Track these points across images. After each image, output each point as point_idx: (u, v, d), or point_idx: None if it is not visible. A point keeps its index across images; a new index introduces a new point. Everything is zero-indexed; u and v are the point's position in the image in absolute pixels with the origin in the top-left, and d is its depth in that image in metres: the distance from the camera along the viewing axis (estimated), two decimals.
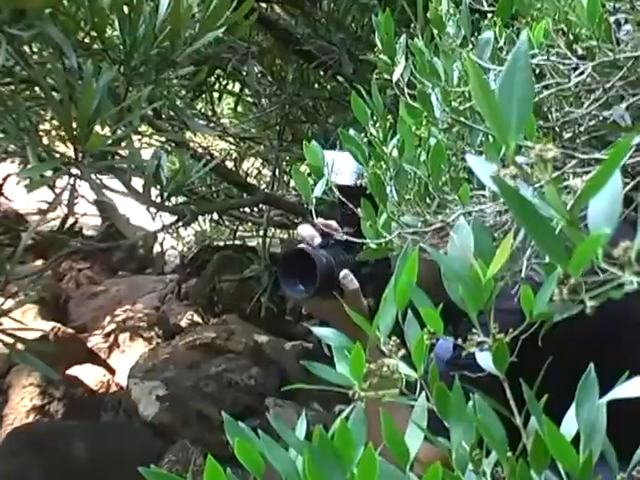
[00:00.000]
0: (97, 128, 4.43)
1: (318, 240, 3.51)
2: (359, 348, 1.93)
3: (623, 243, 1.40)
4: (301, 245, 3.46)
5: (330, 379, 1.97)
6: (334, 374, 1.97)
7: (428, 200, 2.42)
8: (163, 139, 6.04)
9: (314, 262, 3.30)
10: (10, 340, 5.12)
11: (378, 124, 2.71)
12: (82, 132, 4.39)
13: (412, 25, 3.06)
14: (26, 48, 4.28)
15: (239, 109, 7.79)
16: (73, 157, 4.63)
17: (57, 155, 4.64)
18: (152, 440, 6.22)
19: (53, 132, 4.68)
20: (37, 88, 4.57)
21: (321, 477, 1.79)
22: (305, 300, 3.44)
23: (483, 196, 2.28)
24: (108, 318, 8.66)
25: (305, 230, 3.53)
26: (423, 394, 1.91)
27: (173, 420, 6.78)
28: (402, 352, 1.95)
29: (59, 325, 8.32)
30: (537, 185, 1.45)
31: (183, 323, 8.49)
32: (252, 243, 8.25)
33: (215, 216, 7.79)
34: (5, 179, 5.59)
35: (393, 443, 1.86)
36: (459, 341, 1.86)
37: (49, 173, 4.80)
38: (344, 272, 3.35)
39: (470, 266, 1.74)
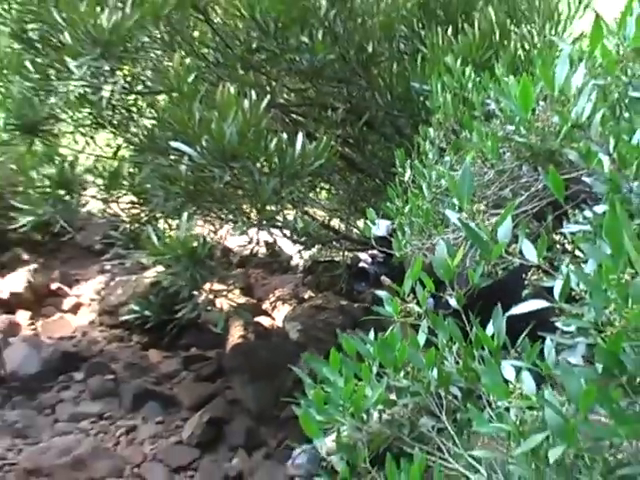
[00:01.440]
0: (268, 207, 4.52)
1: (369, 260, 3.62)
2: (397, 300, 2.04)
3: (514, 245, 1.52)
4: (361, 264, 3.60)
5: (383, 314, 2.07)
6: (385, 311, 2.07)
7: (424, 233, 2.51)
8: (295, 212, 6.06)
9: (368, 273, 3.44)
10: (231, 303, 5.24)
11: (400, 200, 2.80)
12: (262, 209, 4.48)
13: (412, 154, 3.15)
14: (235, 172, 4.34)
15: (329, 196, 7.80)
16: (258, 220, 4.73)
17: (251, 219, 4.75)
18: (296, 350, 6.22)
19: (248, 209, 4.78)
20: (240, 191, 4.64)
21: (383, 355, 1.89)
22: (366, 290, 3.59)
23: (447, 230, 2.36)
24: (271, 294, 8.69)
25: (363, 256, 3.67)
26: (425, 319, 2.01)
27: (305, 341, 6.80)
28: (414, 301, 2.05)
29: (249, 298, 8.39)
30: (477, 222, 1.56)
31: (306, 296, 8.46)
32: (337, 258, 8.20)
33: (319, 245, 7.79)
34: (227, 233, 5.66)
35: (412, 341, 1.95)
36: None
37: (245, 228, 4.91)
38: (383, 277, 3.44)
39: (445, 261, 1.84)
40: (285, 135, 4.33)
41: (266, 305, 8.54)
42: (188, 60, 4.33)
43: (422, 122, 3.77)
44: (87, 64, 4.46)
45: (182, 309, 4.99)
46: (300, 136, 4.26)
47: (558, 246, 1.95)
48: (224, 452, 6.00)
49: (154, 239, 4.47)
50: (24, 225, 5.45)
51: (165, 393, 6.74)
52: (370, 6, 4.73)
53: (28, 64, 5.30)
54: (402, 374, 1.95)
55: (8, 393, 6.58)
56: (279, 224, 5.66)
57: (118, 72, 5.08)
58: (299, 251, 7.57)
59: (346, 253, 7.77)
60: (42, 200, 5.36)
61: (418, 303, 2.04)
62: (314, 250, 8.08)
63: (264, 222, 4.90)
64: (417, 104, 4.82)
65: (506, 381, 1.61)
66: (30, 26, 5.40)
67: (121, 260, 8.93)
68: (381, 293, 2.13)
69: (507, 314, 1.73)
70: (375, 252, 3.80)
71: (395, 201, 2.85)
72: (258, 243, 6.58)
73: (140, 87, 5.26)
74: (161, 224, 5.55)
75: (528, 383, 1.57)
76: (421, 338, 2.00)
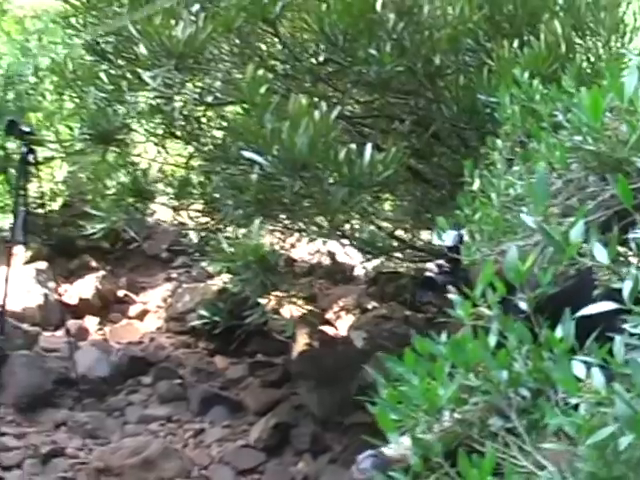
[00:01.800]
0: (337, 217, 4.59)
1: (436, 270, 3.67)
2: (469, 304, 2.10)
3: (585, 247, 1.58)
4: (428, 274, 3.66)
5: (456, 317, 2.14)
6: (457, 315, 2.14)
7: (493, 240, 2.57)
8: (362, 222, 6.08)
9: (434, 283, 3.50)
10: (302, 310, 5.31)
11: (469, 209, 2.86)
12: (331, 218, 4.57)
13: (479, 165, 3.20)
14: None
15: (394, 207, 7.75)
16: (326, 230, 4.81)
17: (321, 229, 4.82)
18: (361, 357, 6.21)
19: (317, 219, 4.85)
20: (308, 200, 4.72)
21: (455, 355, 1.96)
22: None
23: (516, 238, 2.41)
24: (334, 304, 8.72)
25: (430, 265, 3.72)
26: (495, 322, 2.07)
27: (370, 349, 6.77)
28: (486, 304, 2.11)
29: (312, 307, 8.42)
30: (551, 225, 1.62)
31: (369, 306, 8.47)
32: (401, 269, 8.18)
33: (384, 256, 7.77)
34: (295, 241, 5.76)
35: (482, 342, 2.02)
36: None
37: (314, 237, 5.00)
38: (449, 287, 3.47)
39: (516, 265, 1.90)
40: (354, 146, 4.41)
41: (329, 315, 8.59)
42: (260, 72, 4.42)
43: (489, 134, 3.82)
44: (161, 75, 4.60)
45: (250, 315, 5.11)
46: (369, 147, 4.33)
47: (622, 258, 2.00)
48: (289, 456, 6.15)
49: (225, 246, 4.59)
50: (94, 233, 5.61)
51: (232, 398, 6.92)
52: (437, 19, 4.79)
53: (102, 75, 5.45)
54: (473, 374, 2.01)
55: (79, 395, 6.78)
56: (347, 233, 5.74)
57: (188, 83, 5.23)
58: (363, 261, 7.61)
59: (410, 264, 7.77)
60: (115, 208, 5.51)
61: (489, 306, 2.09)
62: (378, 260, 8.09)
63: (332, 232, 4.99)
64: (483, 116, 4.86)
65: (576, 379, 1.68)
66: (103, 38, 5.57)
67: (187, 268, 9.14)
68: (453, 297, 2.18)
69: (576, 315, 1.79)
70: (442, 262, 3.85)
71: (464, 209, 2.90)
72: (323, 253, 6.68)
73: (210, 98, 5.38)
74: (229, 232, 5.65)
75: (598, 379, 1.64)
76: (492, 340, 2.03)
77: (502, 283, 2.02)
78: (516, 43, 4.56)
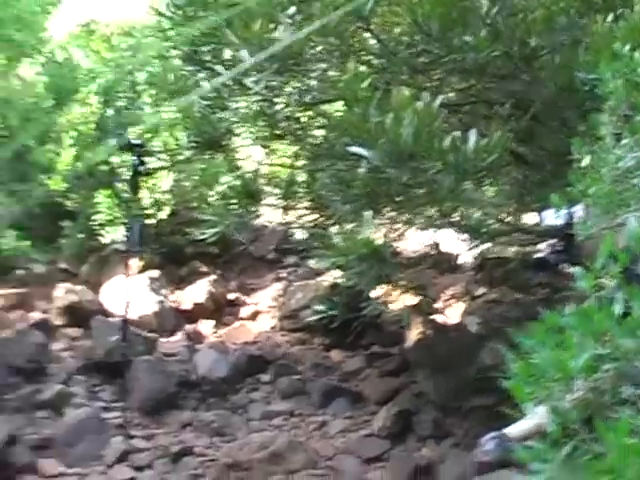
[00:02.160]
0: (445, 205, 4.62)
1: (548, 250, 3.69)
2: (591, 276, 2.14)
3: None
4: (539, 254, 3.68)
5: (579, 289, 2.18)
6: (580, 287, 2.18)
7: (608, 214, 2.59)
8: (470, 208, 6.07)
9: (546, 263, 3.51)
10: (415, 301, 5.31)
11: (581, 185, 2.89)
12: (439, 207, 4.60)
13: (586, 142, 3.22)
14: None
15: (496, 191, 7.69)
16: (436, 218, 4.85)
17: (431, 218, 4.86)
18: (476, 342, 6.26)
19: (425, 209, 4.90)
20: (416, 190, 4.77)
21: (584, 325, 2.01)
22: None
23: (630, 210, 2.44)
24: (442, 293, 8.70)
25: (541, 246, 3.73)
26: (619, 291, 2.10)
27: (485, 333, 6.78)
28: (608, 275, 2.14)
29: (423, 297, 8.43)
30: None
31: (479, 293, 8.45)
32: (506, 254, 8.13)
33: (492, 241, 7.71)
34: (399, 236, 5.78)
35: (605, 308, 2.06)
36: None
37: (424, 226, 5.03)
38: (563, 265, 3.47)
39: (638, 233, 1.95)
40: (459, 133, 4.44)
41: (439, 304, 8.60)
42: (361, 68, 4.50)
43: (589, 111, 3.82)
44: (264, 79, 4.71)
45: (365, 308, 5.22)
46: (473, 133, 4.35)
47: None
48: (413, 442, 6.27)
49: (338, 240, 4.69)
50: (204, 239, 5.77)
51: (352, 389, 7.08)
52: (530, 1, 4.79)
53: (205, 84, 5.59)
54: (601, 343, 2.06)
55: (202, 396, 7.01)
56: (454, 221, 5.76)
57: (287, 86, 5.34)
58: (470, 248, 7.60)
59: (517, 247, 7.73)
60: (225, 212, 5.65)
61: (611, 277, 2.12)
62: (484, 247, 8.08)
63: (441, 220, 5.03)
64: (582, 94, 4.83)
65: None
66: (201, 48, 5.71)
67: (295, 267, 9.28)
68: (574, 270, 2.22)
69: None
70: (553, 241, 3.87)
71: (577, 186, 2.92)
72: (428, 244, 6.69)
73: (308, 98, 5.48)
74: (336, 228, 5.74)
75: None
76: (617, 309, 2.05)
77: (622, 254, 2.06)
78: (610, 17, 4.54)
